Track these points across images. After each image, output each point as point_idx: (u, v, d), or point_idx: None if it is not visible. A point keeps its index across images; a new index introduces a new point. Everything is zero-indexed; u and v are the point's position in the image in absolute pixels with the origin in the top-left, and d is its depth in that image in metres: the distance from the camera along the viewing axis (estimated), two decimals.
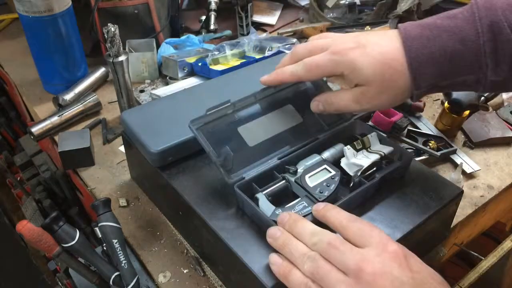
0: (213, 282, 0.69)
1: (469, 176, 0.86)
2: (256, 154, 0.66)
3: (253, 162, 0.65)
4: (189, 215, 0.66)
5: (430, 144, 0.88)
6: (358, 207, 0.63)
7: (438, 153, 0.85)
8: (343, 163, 0.65)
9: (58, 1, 0.95)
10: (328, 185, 0.61)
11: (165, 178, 0.68)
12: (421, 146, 0.87)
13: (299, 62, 0.63)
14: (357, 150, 0.67)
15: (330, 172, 0.63)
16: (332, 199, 0.60)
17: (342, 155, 0.67)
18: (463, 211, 0.79)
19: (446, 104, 0.91)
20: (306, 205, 0.59)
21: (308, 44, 0.65)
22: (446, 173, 0.85)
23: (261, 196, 0.61)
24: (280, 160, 0.66)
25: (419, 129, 0.92)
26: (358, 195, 0.61)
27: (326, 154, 0.67)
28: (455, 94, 0.89)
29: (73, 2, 1.00)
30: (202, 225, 0.63)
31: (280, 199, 0.62)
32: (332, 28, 1.24)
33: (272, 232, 0.55)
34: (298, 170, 0.64)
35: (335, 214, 0.54)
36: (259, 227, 0.60)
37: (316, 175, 0.63)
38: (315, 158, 0.66)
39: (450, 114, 0.90)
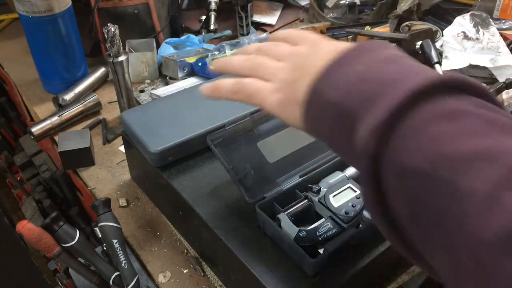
0: (213, 282, 0.69)
1: None
2: (276, 171, 0.63)
3: (274, 180, 0.62)
4: (189, 215, 0.66)
5: None
6: None
7: None
8: None
9: (58, 1, 0.95)
10: (354, 205, 0.58)
11: (165, 178, 0.68)
12: None
13: None
14: None
15: (355, 191, 0.60)
16: (357, 220, 0.58)
17: None
18: None
19: None
20: (331, 226, 0.57)
21: None
22: None
23: (284, 217, 0.57)
24: (302, 178, 0.63)
25: None
26: None
27: (350, 172, 0.63)
28: None
29: (73, 2, 1.00)
30: (202, 225, 0.63)
31: (302, 219, 0.59)
32: (332, 28, 1.24)
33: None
34: (321, 189, 0.61)
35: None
36: (275, 244, 0.58)
37: (341, 194, 0.60)
38: (338, 176, 0.63)
39: None
